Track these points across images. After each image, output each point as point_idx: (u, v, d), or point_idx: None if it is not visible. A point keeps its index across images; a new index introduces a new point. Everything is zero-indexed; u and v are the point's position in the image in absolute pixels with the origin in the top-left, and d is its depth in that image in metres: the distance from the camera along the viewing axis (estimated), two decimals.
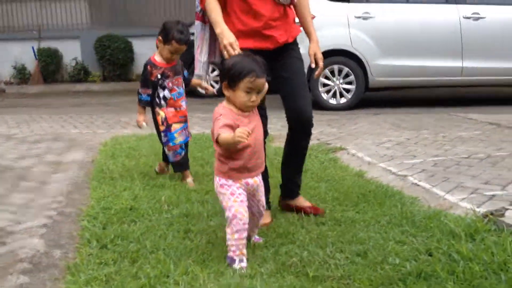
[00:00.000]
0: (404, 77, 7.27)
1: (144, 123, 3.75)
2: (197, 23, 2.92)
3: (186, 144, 3.80)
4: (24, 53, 12.67)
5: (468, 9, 7.00)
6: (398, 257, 2.27)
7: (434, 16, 7.12)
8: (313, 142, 4.65)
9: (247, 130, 2.14)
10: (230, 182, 2.30)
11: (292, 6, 2.87)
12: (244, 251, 2.27)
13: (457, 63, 7.07)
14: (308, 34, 2.92)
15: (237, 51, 2.54)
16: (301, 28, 2.94)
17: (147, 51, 12.06)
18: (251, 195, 2.38)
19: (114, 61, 12.44)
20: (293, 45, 2.85)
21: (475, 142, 4.69)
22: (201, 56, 2.89)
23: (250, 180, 2.33)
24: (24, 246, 2.54)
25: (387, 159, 4.19)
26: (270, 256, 2.37)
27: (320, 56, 2.86)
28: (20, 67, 12.67)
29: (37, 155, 4.78)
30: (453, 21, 7.00)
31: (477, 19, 6.97)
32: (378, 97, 8.53)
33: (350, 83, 7.27)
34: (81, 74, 12.64)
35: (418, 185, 3.43)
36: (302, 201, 3.00)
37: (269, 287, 2.07)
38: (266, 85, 2.37)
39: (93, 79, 12.67)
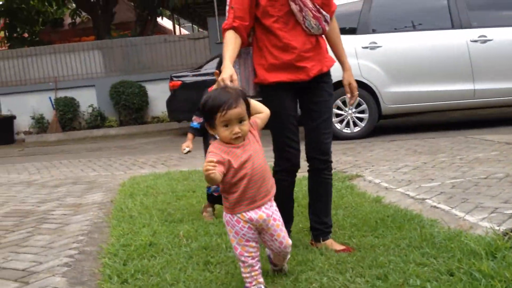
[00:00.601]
0: (417, 102, 7.29)
1: (186, 148, 3.66)
2: None
3: None
4: (42, 104, 13.03)
5: (474, 33, 7.05)
6: (419, 279, 2.25)
7: (441, 41, 7.18)
8: None
9: (209, 160, 2.04)
10: (234, 220, 2.22)
11: (323, 36, 2.82)
12: (261, 279, 2.26)
13: (469, 86, 7.08)
14: (341, 63, 2.88)
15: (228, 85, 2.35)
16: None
17: (161, 94, 12.34)
18: (262, 229, 2.27)
19: (129, 105, 12.70)
20: (327, 77, 2.79)
21: (493, 162, 4.65)
22: None
23: (254, 215, 2.20)
24: (47, 285, 2.57)
25: (405, 183, 4.18)
26: (289, 284, 2.36)
27: (355, 85, 2.84)
28: (38, 117, 12.99)
29: (57, 199, 4.85)
30: (461, 45, 7.05)
31: (484, 41, 7.01)
32: (392, 124, 8.55)
33: (362, 111, 7.31)
34: (98, 120, 12.91)
35: (437, 208, 3.40)
36: (333, 244, 2.82)
37: None
38: (261, 107, 2.31)
39: (109, 124, 12.92)
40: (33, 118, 13.00)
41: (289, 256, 2.43)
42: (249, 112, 2.21)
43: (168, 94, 10.64)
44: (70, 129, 12.91)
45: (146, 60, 13.62)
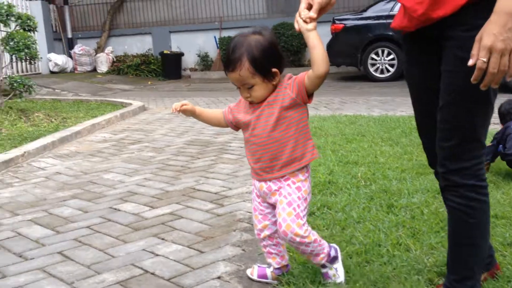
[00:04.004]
0: None
1: None
2: None
3: None
4: (207, 43, 13.73)
5: None
6: None
7: None
8: None
9: (179, 103, 1.86)
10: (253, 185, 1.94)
11: None
12: (269, 259, 1.96)
13: None
14: None
15: (300, 22, 1.70)
16: None
17: (320, 37, 12.28)
18: (272, 206, 1.88)
19: (288, 47, 12.84)
20: (458, 26, 1.49)
21: None
22: None
23: (257, 183, 1.87)
24: (239, 208, 2.79)
25: None
26: None
27: (485, 44, 1.36)
28: (203, 55, 13.74)
29: (231, 132, 5.17)
30: None
31: None
32: None
33: None
34: None
35: None
36: None
37: None
38: (316, 57, 1.66)
39: None
40: (198, 55, 13.79)
41: (308, 253, 1.82)
42: (266, 73, 1.72)
43: (327, 37, 10.53)
44: None
45: None
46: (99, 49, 14.05)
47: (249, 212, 2.71)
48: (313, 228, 2.41)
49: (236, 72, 1.70)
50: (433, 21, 1.51)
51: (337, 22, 10.29)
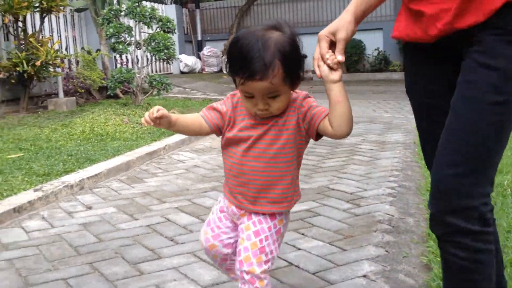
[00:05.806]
0: None
1: None
2: None
3: None
4: None
5: None
6: None
7: None
8: None
9: (153, 109, 1.45)
10: (220, 197, 1.62)
11: None
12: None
13: None
14: None
15: (324, 69, 1.46)
16: None
17: None
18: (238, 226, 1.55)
19: None
20: (496, 25, 1.21)
21: None
22: None
23: (234, 207, 1.52)
24: (378, 210, 2.77)
25: None
26: None
27: None
28: None
29: (359, 134, 5.13)
30: None
31: None
32: None
33: None
34: (381, 64, 13.02)
35: None
36: None
37: None
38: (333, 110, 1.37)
39: (393, 68, 12.91)
40: None
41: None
42: (294, 78, 1.41)
43: None
44: (354, 71, 13.35)
45: None
46: (226, 50, 14.63)
47: (388, 214, 2.68)
48: None
49: (266, 81, 1.33)
50: (459, 31, 1.24)
51: None
